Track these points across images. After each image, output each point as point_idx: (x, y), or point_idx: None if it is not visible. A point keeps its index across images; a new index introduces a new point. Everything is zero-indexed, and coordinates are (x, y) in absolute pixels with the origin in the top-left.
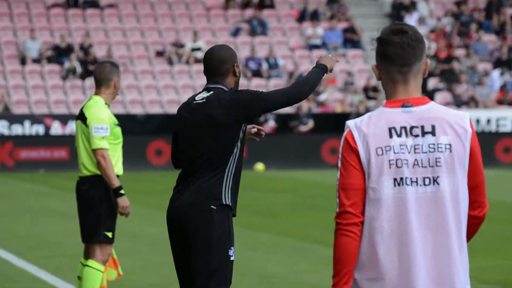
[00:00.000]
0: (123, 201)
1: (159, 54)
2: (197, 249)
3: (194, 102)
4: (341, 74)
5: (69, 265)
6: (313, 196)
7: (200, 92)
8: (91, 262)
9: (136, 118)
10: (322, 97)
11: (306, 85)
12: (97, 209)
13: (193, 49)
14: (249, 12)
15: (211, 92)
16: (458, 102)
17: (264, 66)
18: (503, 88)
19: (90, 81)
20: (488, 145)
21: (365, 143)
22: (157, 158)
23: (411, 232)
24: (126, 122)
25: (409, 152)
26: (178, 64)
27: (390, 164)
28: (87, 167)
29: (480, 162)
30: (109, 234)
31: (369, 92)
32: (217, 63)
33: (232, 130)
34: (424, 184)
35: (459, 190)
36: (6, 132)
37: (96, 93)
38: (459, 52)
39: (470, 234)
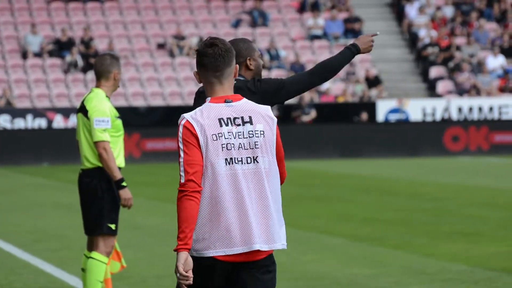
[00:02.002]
0: (125, 193)
1: (160, 46)
2: None
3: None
4: None
5: (73, 257)
6: (317, 186)
7: None
8: (94, 254)
9: (138, 110)
10: (324, 87)
11: (327, 69)
12: (100, 201)
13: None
14: (249, 3)
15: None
16: (460, 90)
17: (266, 57)
18: (505, 76)
19: (91, 75)
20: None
21: (203, 131)
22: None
23: (243, 199)
24: (128, 114)
25: (234, 138)
26: (180, 56)
27: (222, 148)
28: (89, 159)
29: (280, 142)
30: (112, 226)
31: (370, 82)
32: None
33: None
34: (247, 163)
35: (272, 166)
36: (8, 126)
37: (97, 86)
38: (460, 41)
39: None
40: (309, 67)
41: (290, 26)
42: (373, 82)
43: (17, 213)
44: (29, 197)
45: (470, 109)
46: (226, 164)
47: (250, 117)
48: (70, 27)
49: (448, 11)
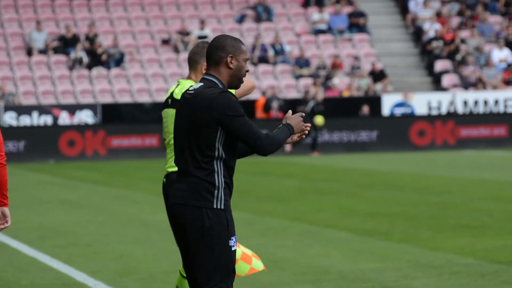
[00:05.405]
0: None
1: (165, 42)
2: (195, 245)
3: (187, 92)
4: (347, 58)
5: (80, 254)
6: (321, 180)
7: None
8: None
9: (143, 106)
10: (334, 82)
11: (276, 143)
12: None
13: (200, 37)
14: None
15: (201, 84)
16: (466, 84)
17: (270, 52)
18: (509, 68)
19: (96, 71)
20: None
21: None
22: (69, 148)
23: None
24: (133, 110)
25: None
26: (184, 52)
27: None
28: None
29: None
30: None
31: (375, 76)
32: (211, 49)
33: (211, 130)
34: None
35: None
36: (14, 123)
37: (188, 77)
38: (465, 34)
39: (1, 175)
40: (314, 61)
41: (294, 20)
42: (378, 76)
43: (24, 210)
44: (35, 194)
45: (476, 103)
46: None
47: None
48: (74, 24)
49: (453, 5)
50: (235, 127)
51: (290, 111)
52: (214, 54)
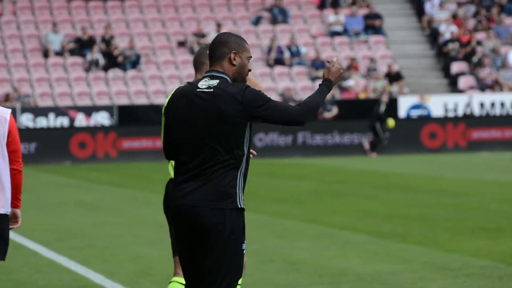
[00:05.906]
0: None
1: (181, 44)
2: (212, 248)
3: (198, 90)
4: (363, 60)
5: (97, 255)
6: (337, 183)
7: (201, 79)
8: (175, 278)
9: (160, 108)
10: (349, 83)
11: (311, 109)
12: None
13: None
14: (269, 0)
15: (217, 80)
16: (482, 86)
17: (286, 54)
18: None
19: (112, 73)
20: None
21: None
22: (80, 150)
23: None
24: (149, 112)
25: None
26: None
27: None
28: None
29: (17, 137)
30: None
31: (391, 78)
32: (214, 46)
33: (240, 127)
34: None
35: (1, 153)
36: (31, 124)
37: (195, 80)
38: (481, 36)
39: (18, 181)
40: None
41: (310, 22)
42: (394, 78)
43: (40, 211)
44: (51, 196)
45: (492, 105)
46: None
47: None
48: (91, 26)
49: (469, 7)
50: (269, 115)
51: (334, 59)
52: (217, 49)
